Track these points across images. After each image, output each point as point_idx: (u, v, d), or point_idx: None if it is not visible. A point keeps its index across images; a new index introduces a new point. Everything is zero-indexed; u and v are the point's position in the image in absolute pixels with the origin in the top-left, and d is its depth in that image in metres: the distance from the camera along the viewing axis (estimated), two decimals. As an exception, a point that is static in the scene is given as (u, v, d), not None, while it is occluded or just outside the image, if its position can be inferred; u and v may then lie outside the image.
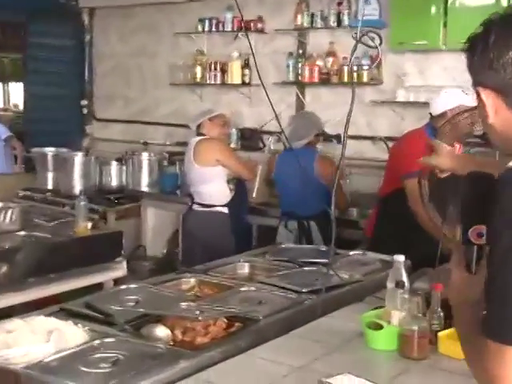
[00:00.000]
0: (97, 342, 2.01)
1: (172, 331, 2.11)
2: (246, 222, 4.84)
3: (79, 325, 2.10)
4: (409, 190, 3.28)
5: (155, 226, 5.53)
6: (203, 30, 5.94)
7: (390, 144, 4.85)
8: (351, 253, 3.23)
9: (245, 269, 3.08)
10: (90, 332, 2.07)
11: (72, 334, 2.00)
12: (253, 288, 2.65)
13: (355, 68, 5.05)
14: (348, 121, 2.30)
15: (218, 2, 5.79)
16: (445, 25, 4.54)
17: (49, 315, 2.18)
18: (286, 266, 2.99)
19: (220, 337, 2.14)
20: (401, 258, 2.19)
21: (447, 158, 2.23)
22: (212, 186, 4.46)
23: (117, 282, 3.65)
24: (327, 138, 5.21)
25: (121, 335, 2.08)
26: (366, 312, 2.24)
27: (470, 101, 3.39)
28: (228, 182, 4.57)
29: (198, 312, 2.25)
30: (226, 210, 4.48)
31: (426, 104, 4.44)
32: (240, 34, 5.73)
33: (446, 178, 2.31)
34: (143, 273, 5.15)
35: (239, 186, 4.71)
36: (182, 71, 6.13)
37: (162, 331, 2.08)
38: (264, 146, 5.68)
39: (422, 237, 3.14)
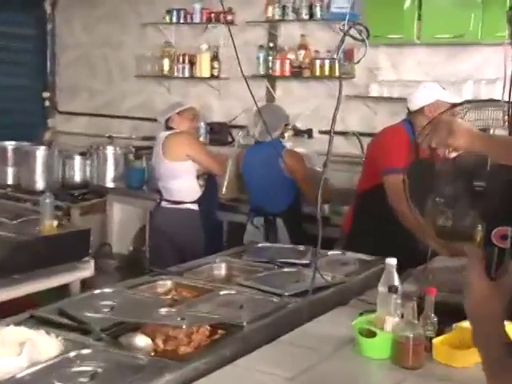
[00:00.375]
0: (73, 353, 1.87)
1: (153, 340, 1.98)
2: (216, 218, 4.73)
3: (52, 334, 1.95)
4: (390, 186, 3.18)
5: (121, 222, 5.44)
6: (171, 21, 5.82)
7: (363, 139, 4.80)
8: (330, 253, 3.14)
9: (222, 270, 2.98)
10: (65, 342, 1.93)
11: (45, 345, 1.86)
12: (233, 291, 2.54)
13: (327, 62, 5.00)
14: (334, 117, 2.20)
15: (187, -7, 5.68)
16: (419, 18, 4.49)
17: (18, 324, 2.02)
18: (265, 267, 2.88)
19: (204, 345, 2.01)
20: (393, 261, 2.10)
21: (463, 136, 1.99)
22: (181, 182, 4.37)
23: (84, 282, 3.51)
24: (298, 133, 5.14)
25: (98, 345, 1.94)
26: (354, 316, 2.14)
27: (447, 96, 3.37)
28: (198, 177, 4.49)
29: (179, 319, 2.13)
30: (195, 206, 4.40)
31: (399, 99, 4.43)
32: (209, 26, 5.63)
33: (424, 167, 2.20)
34: (109, 271, 5.04)
35: (209, 181, 4.62)
36: (150, 63, 6.02)
37: (142, 340, 1.94)
38: (233, 140, 5.62)
39: (401, 234, 3.07)
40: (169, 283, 2.67)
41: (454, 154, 2.06)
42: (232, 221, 4.83)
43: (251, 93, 2.61)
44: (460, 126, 1.98)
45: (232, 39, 2.55)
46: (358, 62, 2.42)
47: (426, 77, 4.66)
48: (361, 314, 2.19)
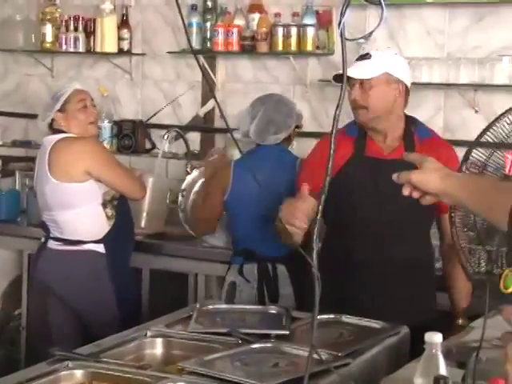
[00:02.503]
0: None
1: None
2: (130, 267, 4.62)
3: None
4: None
5: None
6: (54, -31, 5.80)
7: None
8: (320, 316, 3.06)
9: (157, 348, 2.93)
10: None
11: None
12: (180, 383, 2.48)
13: (293, 30, 4.97)
14: (337, 117, 2.10)
15: None
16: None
17: None
18: (223, 343, 2.84)
19: None
20: (437, 337, 2.02)
21: (435, 175, 2.19)
22: (79, 213, 4.30)
23: None
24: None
25: None
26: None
27: (401, 69, 3.49)
28: (105, 204, 4.37)
29: None
30: (101, 248, 4.34)
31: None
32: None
33: None
34: None
35: (122, 210, 4.46)
36: (21, 31, 5.94)
37: None
38: (154, 146, 5.61)
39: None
40: (79, 374, 2.59)
41: (428, 200, 2.22)
42: (155, 268, 4.79)
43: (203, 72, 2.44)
44: (430, 163, 2.21)
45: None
46: (368, 35, 2.31)
47: (438, 52, 4.69)
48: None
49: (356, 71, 3.41)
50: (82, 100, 4.36)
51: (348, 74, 3.31)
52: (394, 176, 2.24)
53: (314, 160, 3.55)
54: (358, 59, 3.49)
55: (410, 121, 3.55)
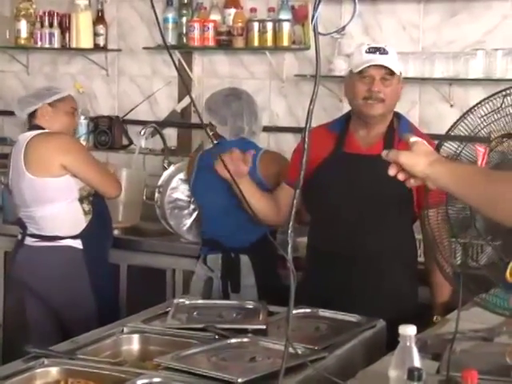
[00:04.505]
0: None
1: None
2: (109, 262, 4.63)
3: None
4: None
5: None
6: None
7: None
8: (296, 311, 3.08)
9: (134, 344, 2.92)
10: None
11: None
12: (156, 379, 2.46)
13: (269, 25, 4.98)
14: (310, 111, 2.10)
15: None
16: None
17: None
18: (200, 338, 2.84)
19: None
20: (410, 330, 2.02)
21: (422, 159, 2.18)
22: (56, 208, 4.31)
23: None
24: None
25: None
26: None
27: (362, 62, 3.48)
28: (82, 199, 4.37)
29: None
30: (78, 243, 4.35)
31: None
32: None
33: None
34: None
35: (99, 206, 4.46)
36: None
37: None
38: (131, 142, 5.60)
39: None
40: (54, 371, 2.59)
41: (413, 183, 2.22)
42: (133, 264, 4.78)
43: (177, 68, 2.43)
44: (420, 146, 2.21)
45: None
46: (342, 29, 2.33)
47: (413, 46, 4.72)
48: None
49: (390, 64, 3.45)
50: (73, 107, 4.43)
51: (385, 64, 3.40)
52: (384, 153, 2.24)
53: (298, 154, 3.58)
54: (372, 51, 3.47)
55: (396, 116, 3.58)
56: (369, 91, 3.44)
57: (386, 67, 3.41)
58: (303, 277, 3.56)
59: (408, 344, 2.04)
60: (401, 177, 2.20)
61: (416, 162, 2.18)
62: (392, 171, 2.20)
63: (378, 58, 3.44)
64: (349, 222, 3.48)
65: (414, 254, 3.66)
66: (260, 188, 3.88)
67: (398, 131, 3.51)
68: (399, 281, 3.51)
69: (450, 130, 2.34)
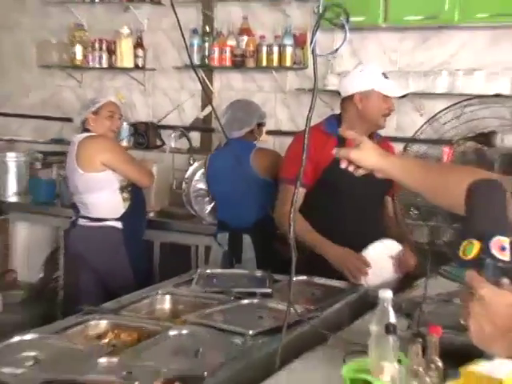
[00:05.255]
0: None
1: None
2: (143, 239, 4.60)
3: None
4: (279, 197, 3.46)
5: (28, 244, 5.39)
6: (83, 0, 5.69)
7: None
8: (294, 278, 3.03)
9: (166, 304, 2.90)
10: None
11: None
12: (184, 331, 2.44)
13: (275, 49, 4.97)
14: (309, 119, 2.09)
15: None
16: (385, -2, 4.48)
17: None
18: (219, 300, 2.82)
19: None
20: (388, 293, 2.01)
21: (373, 153, 2.12)
22: (101, 196, 4.29)
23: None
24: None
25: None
26: (338, 361, 2.05)
27: (388, 87, 3.43)
28: (122, 189, 4.35)
29: (125, 373, 1.98)
30: (119, 224, 4.31)
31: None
32: (130, 6, 5.53)
33: None
34: (15, 304, 4.92)
35: (136, 194, 4.45)
36: (56, 51, 5.89)
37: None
38: (163, 143, 5.55)
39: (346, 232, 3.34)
40: (103, 324, 2.56)
41: (361, 172, 2.15)
42: (165, 242, 4.76)
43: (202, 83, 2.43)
44: (367, 144, 2.14)
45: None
46: (335, 52, 2.32)
47: (392, 66, 4.69)
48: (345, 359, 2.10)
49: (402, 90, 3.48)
50: (111, 111, 4.36)
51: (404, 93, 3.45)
52: (335, 150, 2.18)
53: (296, 150, 3.41)
54: (386, 76, 3.46)
55: None
56: (388, 109, 3.40)
57: None
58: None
59: (385, 305, 2.03)
60: (351, 169, 2.16)
61: (365, 157, 2.12)
62: (344, 164, 2.15)
63: (396, 86, 3.47)
64: (359, 208, 3.41)
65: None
66: (253, 178, 3.95)
67: (374, 134, 3.48)
68: None
69: (416, 133, 2.34)
